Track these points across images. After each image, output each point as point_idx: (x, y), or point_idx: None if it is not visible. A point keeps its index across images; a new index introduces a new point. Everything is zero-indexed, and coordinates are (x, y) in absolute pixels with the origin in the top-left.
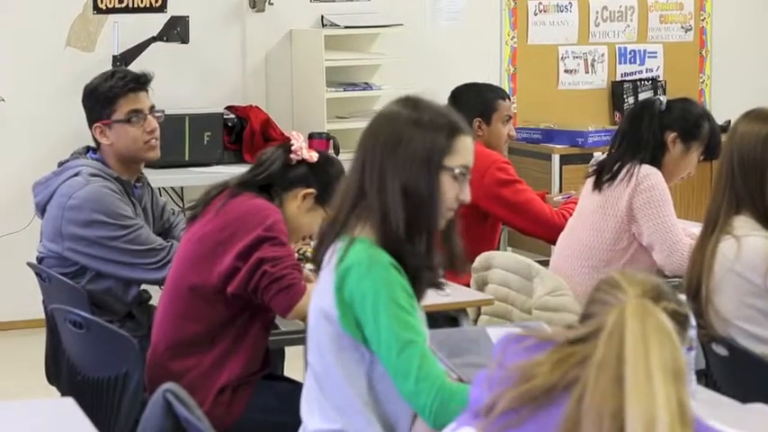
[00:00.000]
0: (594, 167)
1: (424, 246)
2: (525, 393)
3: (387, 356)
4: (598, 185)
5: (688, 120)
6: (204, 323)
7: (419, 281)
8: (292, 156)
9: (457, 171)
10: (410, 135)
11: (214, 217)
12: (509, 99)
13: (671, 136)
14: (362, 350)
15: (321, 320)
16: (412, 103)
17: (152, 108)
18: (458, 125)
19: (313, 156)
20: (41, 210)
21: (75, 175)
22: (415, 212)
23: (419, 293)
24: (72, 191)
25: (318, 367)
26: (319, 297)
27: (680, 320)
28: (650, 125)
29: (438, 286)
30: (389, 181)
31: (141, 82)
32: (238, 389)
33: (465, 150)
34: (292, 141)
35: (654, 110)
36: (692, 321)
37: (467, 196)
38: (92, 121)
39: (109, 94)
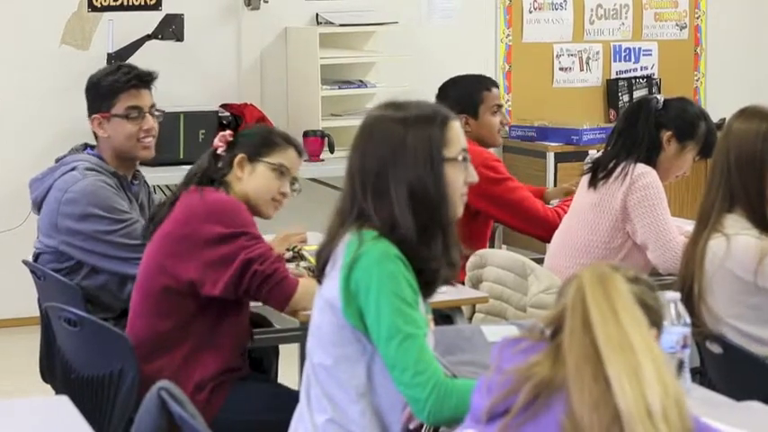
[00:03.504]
0: (590, 165)
1: (440, 245)
2: (536, 387)
3: (386, 348)
4: (593, 183)
5: (684, 119)
6: (174, 319)
7: (437, 279)
8: (219, 152)
9: (460, 158)
10: (403, 137)
11: (176, 214)
12: (497, 87)
13: (666, 135)
14: (364, 342)
15: (325, 311)
16: (394, 105)
17: (152, 107)
18: (444, 113)
19: (227, 136)
20: (38, 206)
21: (72, 170)
22: (428, 214)
23: (433, 290)
24: (68, 185)
25: (317, 358)
26: (326, 288)
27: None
28: (646, 123)
29: (451, 282)
30: (393, 190)
31: (144, 80)
32: (216, 388)
33: (458, 135)
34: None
35: (650, 108)
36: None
37: (474, 176)
38: (91, 112)
39: (111, 88)
